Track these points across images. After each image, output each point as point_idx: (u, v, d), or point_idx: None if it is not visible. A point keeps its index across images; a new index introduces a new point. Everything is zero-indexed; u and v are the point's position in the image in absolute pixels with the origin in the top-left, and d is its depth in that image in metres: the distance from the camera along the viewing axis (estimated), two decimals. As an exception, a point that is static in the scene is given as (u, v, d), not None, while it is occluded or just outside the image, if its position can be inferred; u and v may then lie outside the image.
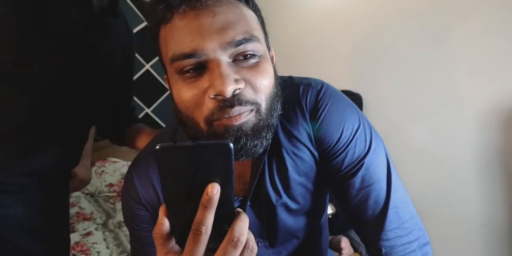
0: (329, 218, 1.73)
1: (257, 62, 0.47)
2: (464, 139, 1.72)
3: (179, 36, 0.45)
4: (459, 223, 1.76)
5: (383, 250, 0.56)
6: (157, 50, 0.51)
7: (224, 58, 0.45)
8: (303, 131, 0.56)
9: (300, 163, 0.58)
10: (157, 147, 0.35)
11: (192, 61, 0.45)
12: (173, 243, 0.39)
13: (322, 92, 0.57)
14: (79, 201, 2.27)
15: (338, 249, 1.71)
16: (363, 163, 0.55)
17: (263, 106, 0.48)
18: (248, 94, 0.46)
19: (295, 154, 0.57)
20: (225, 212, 0.38)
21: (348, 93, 2.14)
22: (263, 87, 0.48)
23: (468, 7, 1.68)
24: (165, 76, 0.55)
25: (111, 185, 2.41)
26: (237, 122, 0.46)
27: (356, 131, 0.56)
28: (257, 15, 0.52)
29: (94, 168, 2.43)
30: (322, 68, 2.43)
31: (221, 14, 0.45)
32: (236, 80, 0.44)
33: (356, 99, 2.14)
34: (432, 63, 1.83)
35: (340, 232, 1.76)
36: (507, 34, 1.55)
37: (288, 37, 2.65)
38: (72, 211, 2.14)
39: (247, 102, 0.46)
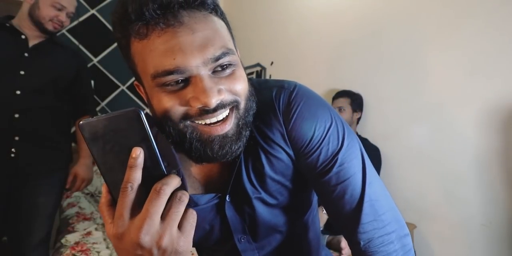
0: (329, 218, 1.73)
1: (233, 70, 0.51)
2: (464, 139, 1.72)
3: (159, 53, 0.46)
4: (459, 223, 1.76)
5: (361, 243, 0.57)
6: (127, 59, 0.53)
7: (205, 72, 0.47)
8: (277, 133, 0.58)
9: (276, 162, 0.60)
10: (80, 123, 0.40)
11: (175, 77, 0.47)
12: None
13: (294, 93, 0.59)
14: (79, 201, 2.27)
15: (338, 249, 1.71)
16: (337, 159, 0.57)
17: (242, 105, 0.52)
18: (228, 98, 0.50)
19: (271, 153, 0.59)
20: (156, 176, 0.41)
21: (349, 93, 2.14)
22: (241, 91, 0.52)
23: (468, 6, 1.68)
24: (136, 83, 0.57)
25: (111, 185, 2.41)
26: (222, 131, 0.50)
27: (328, 129, 0.58)
28: (225, 23, 0.54)
29: (94, 168, 2.42)
30: (322, 68, 2.44)
31: (199, 31, 0.47)
32: (219, 91, 0.48)
33: (357, 99, 2.14)
34: (432, 63, 1.84)
35: (340, 232, 1.76)
36: (507, 34, 1.55)
37: (288, 38, 2.66)
38: (72, 211, 2.14)
39: (229, 105, 0.50)
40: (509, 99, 1.56)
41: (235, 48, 0.55)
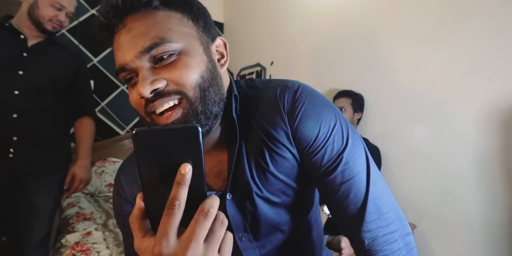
0: (329, 218, 1.73)
1: (175, 59, 0.52)
2: (464, 139, 1.72)
3: (115, 53, 0.54)
4: (459, 223, 1.76)
5: (366, 241, 0.58)
6: None
7: (145, 64, 0.52)
8: (282, 132, 0.59)
9: (281, 161, 0.60)
10: (134, 131, 0.39)
11: (125, 73, 0.54)
12: (149, 227, 0.41)
13: (298, 92, 0.59)
14: (79, 201, 2.27)
15: (338, 249, 1.71)
16: (341, 158, 0.58)
17: (191, 94, 0.52)
18: (171, 88, 0.51)
19: (276, 152, 0.60)
20: (198, 195, 0.40)
21: (350, 93, 2.14)
22: (184, 79, 0.51)
23: (469, 6, 1.68)
24: None
25: (111, 185, 2.41)
26: (168, 120, 0.52)
27: (333, 128, 0.58)
28: (184, 14, 0.55)
29: (94, 168, 2.43)
30: (321, 68, 2.44)
31: (134, 28, 0.52)
32: (154, 81, 0.50)
33: (358, 99, 2.14)
34: (432, 63, 1.83)
35: (342, 232, 1.76)
36: (507, 34, 1.55)
37: (288, 38, 2.66)
38: (72, 211, 2.14)
39: (169, 94, 0.51)
40: (509, 99, 1.56)
41: (208, 33, 0.57)
